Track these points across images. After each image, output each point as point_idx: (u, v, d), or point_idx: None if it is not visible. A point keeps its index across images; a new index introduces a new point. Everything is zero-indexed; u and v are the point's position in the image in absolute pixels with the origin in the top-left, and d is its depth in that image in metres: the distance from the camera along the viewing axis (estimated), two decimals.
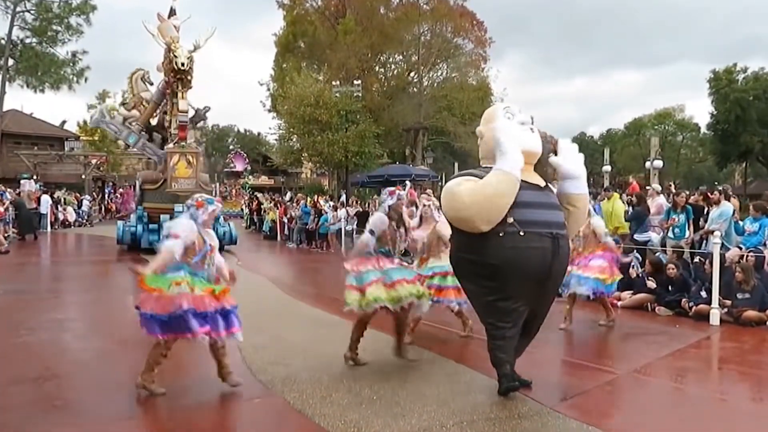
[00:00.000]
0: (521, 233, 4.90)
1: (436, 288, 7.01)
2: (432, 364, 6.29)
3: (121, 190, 39.80)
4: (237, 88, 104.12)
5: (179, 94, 17.20)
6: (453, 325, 7.64)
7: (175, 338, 5.12)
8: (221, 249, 17.35)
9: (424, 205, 7.81)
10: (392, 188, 6.36)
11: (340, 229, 18.93)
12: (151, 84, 19.95)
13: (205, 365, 6.39)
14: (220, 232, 17.71)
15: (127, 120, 19.16)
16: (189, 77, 17.33)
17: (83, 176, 39.62)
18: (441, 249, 7.17)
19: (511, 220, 4.89)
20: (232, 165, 25.11)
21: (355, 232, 18.45)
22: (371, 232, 5.95)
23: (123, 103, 20.31)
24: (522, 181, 4.96)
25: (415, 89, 40.87)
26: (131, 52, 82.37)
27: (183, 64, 16.62)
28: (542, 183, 5.26)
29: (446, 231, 6.12)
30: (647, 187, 14.65)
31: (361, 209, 19.54)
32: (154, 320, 5.05)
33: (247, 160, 20.37)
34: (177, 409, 5.00)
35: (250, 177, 47.94)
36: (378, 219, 6.03)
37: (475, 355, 6.73)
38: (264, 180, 50.45)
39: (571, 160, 5.42)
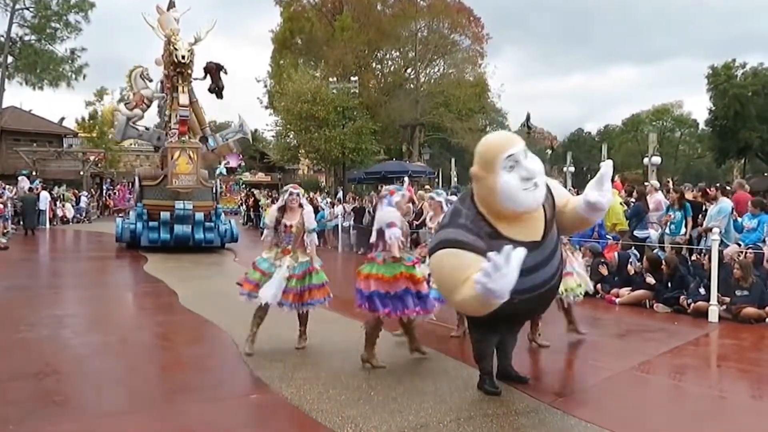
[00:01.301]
0: (515, 300, 4.35)
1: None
2: (429, 361, 6.24)
3: (119, 186, 39.79)
4: (234, 85, 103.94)
5: (180, 88, 16.93)
6: (449, 321, 7.59)
7: (393, 315, 5.80)
8: (222, 246, 17.32)
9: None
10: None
11: (337, 225, 18.86)
12: (151, 81, 19.50)
13: (203, 360, 6.38)
14: (222, 230, 17.54)
15: (131, 120, 18.64)
16: (189, 70, 17.12)
17: (81, 173, 39.67)
18: None
19: None
20: (225, 161, 24.97)
21: (352, 228, 18.41)
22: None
23: (125, 103, 19.95)
24: (518, 241, 4.44)
25: (411, 85, 40.90)
26: (130, 50, 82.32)
27: (184, 57, 16.41)
28: (539, 236, 4.76)
29: None
30: (645, 184, 14.60)
31: (358, 205, 19.44)
32: (377, 297, 5.67)
33: (240, 156, 20.25)
34: (175, 404, 4.98)
35: (247, 173, 47.91)
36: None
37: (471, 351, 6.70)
38: (261, 177, 50.39)
39: (606, 197, 4.90)
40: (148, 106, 19.11)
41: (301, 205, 6.41)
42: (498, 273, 3.98)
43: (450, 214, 5.02)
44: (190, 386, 5.45)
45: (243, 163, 26.14)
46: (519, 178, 4.57)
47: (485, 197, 4.73)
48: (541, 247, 4.77)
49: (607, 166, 4.89)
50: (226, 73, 19.12)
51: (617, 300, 9.59)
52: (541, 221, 4.82)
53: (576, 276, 7.18)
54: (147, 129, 19.14)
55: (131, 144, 41.90)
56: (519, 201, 4.61)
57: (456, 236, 4.67)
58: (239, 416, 4.73)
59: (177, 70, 16.86)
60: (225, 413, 4.75)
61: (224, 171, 17.36)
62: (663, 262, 9.55)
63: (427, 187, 24.49)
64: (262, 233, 7.07)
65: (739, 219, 10.46)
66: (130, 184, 27.07)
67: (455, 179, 34.32)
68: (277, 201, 7.36)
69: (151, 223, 16.71)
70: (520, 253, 4.04)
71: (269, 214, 6.61)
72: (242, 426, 4.56)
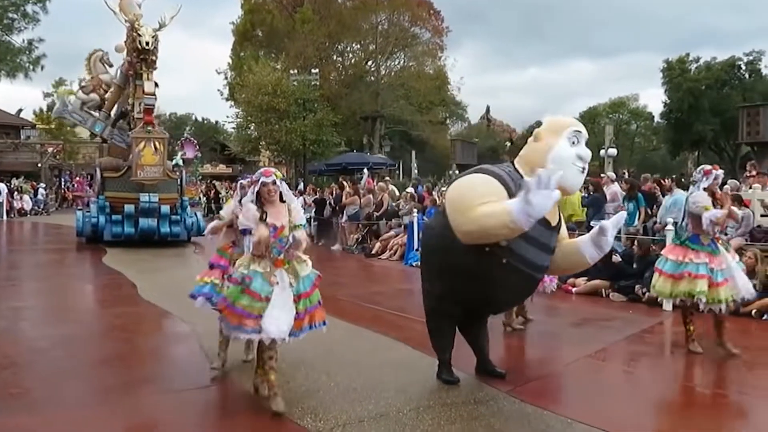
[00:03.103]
0: (504, 261, 4.63)
1: None
2: (390, 351, 6.27)
3: (78, 178, 39.02)
4: (194, 77, 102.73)
5: (144, 75, 16.20)
6: (411, 312, 7.63)
7: None
8: (188, 240, 16.92)
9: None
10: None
11: None
12: (111, 66, 18.84)
13: (162, 352, 6.31)
14: (188, 223, 17.05)
15: (86, 104, 18.06)
16: (154, 57, 16.37)
17: (39, 165, 38.83)
18: None
19: (504, 243, 4.58)
20: (182, 152, 24.81)
21: (312, 220, 18.35)
22: None
23: (81, 86, 18.96)
24: None
25: (372, 78, 40.90)
26: (90, 40, 79.89)
27: (148, 43, 15.82)
28: (555, 221, 4.94)
29: None
30: (602, 175, 14.85)
31: (318, 197, 19.39)
32: None
33: (197, 147, 19.93)
34: (134, 396, 4.92)
35: (208, 165, 47.36)
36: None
37: None
38: (222, 168, 49.95)
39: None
40: (106, 92, 18.39)
41: (282, 198, 4.60)
42: (542, 188, 4.12)
43: (497, 164, 5.19)
44: (149, 378, 5.41)
45: (200, 154, 25.97)
46: (575, 154, 4.82)
47: (534, 159, 4.86)
48: (552, 232, 4.95)
49: (620, 217, 5.09)
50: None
51: (574, 289, 9.76)
52: (556, 211, 5.00)
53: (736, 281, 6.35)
54: (103, 115, 18.42)
55: (90, 135, 41.08)
56: (565, 173, 4.68)
57: (496, 170, 4.85)
58: (198, 407, 4.70)
59: (141, 56, 16.08)
60: (184, 404, 4.72)
61: (180, 162, 16.76)
62: (637, 245, 9.80)
63: (387, 178, 24.58)
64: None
65: None
66: (90, 176, 26.33)
67: (416, 171, 34.45)
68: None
69: (114, 217, 16.07)
70: (558, 176, 4.34)
71: (226, 209, 5.54)
72: (201, 417, 4.54)
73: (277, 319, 4.40)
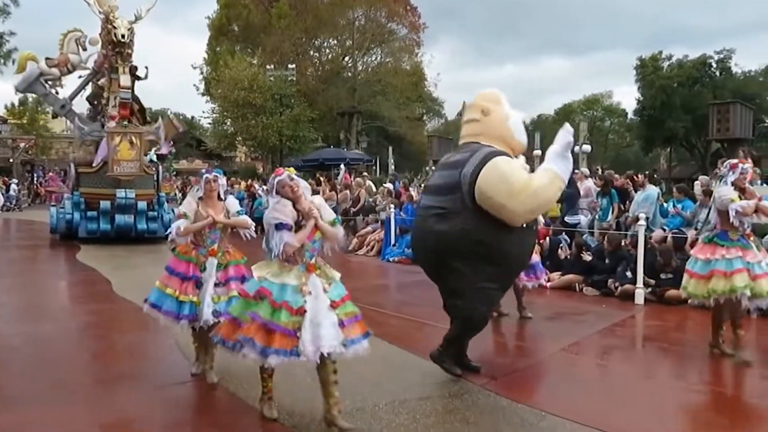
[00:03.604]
0: (524, 226, 5.08)
1: None
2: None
3: (51, 174, 38.45)
4: (170, 72, 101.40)
5: (120, 69, 15.92)
6: (387, 307, 7.68)
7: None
8: (166, 237, 16.57)
9: None
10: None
11: None
12: (85, 50, 17.92)
13: (137, 348, 6.28)
14: (166, 219, 16.33)
15: (44, 76, 17.11)
16: (129, 50, 16.11)
17: (11, 160, 38.13)
18: None
19: None
20: (156, 148, 24.51)
21: None
22: None
23: (47, 58, 17.79)
24: None
25: (349, 74, 40.82)
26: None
27: (123, 36, 15.53)
28: None
29: None
30: (576, 171, 15.01)
31: None
32: None
33: (171, 143, 19.76)
34: (109, 392, 4.91)
35: (184, 161, 46.95)
36: None
37: (409, 336, 6.82)
38: (198, 164, 49.52)
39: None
40: (69, 72, 17.51)
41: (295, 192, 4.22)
42: (568, 140, 4.89)
43: (478, 147, 5.18)
44: (125, 375, 5.38)
45: (174, 150, 25.68)
46: (516, 114, 5.33)
47: (499, 131, 5.19)
48: None
49: (566, 133, 5.13)
50: (139, 77, 18.18)
51: (548, 284, 9.86)
52: None
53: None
54: (56, 93, 17.98)
55: (64, 130, 40.40)
56: (524, 134, 5.35)
57: (499, 149, 5.08)
58: (175, 403, 4.70)
59: (116, 49, 15.81)
60: (161, 401, 4.72)
61: (154, 158, 16.48)
62: (607, 240, 9.92)
63: (365, 174, 24.60)
64: None
65: (665, 204, 10.92)
66: (63, 172, 25.82)
67: (392, 167, 34.45)
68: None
69: (89, 213, 15.69)
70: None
71: (187, 206, 5.11)
72: (178, 413, 4.54)
73: (317, 338, 3.96)
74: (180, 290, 4.91)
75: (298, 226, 4.11)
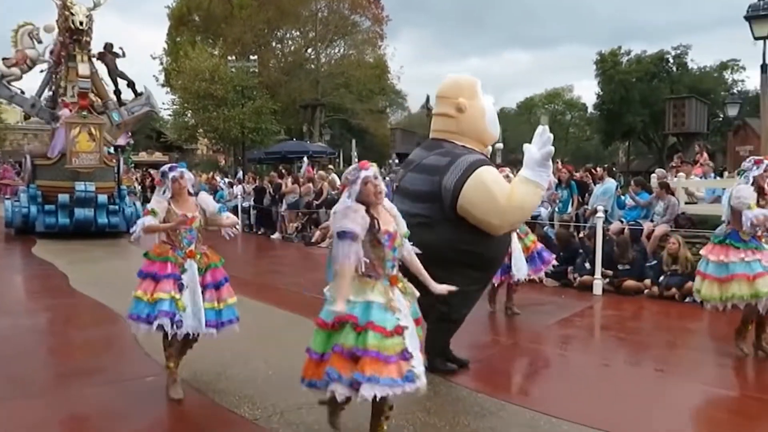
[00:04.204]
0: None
1: None
2: None
3: (5, 165, 37.37)
4: (128, 62, 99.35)
5: (78, 57, 15.50)
6: None
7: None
8: (127, 231, 16.16)
9: None
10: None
11: (237, 205, 18.57)
12: (40, 42, 17.49)
13: (96, 344, 6.19)
14: (127, 213, 16.12)
15: (5, 78, 16.74)
16: (88, 38, 15.76)
17: None
18: None
19: None
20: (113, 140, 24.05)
21: (252, 209, 18.20)
22: None
23: (4, 58, 17.36)
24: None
25: (312, 66, 40.54)
26: (16, 21, 76.37)
27: (81, 23, 15.09)
28: None
29: None
30: None
31: (258, 185, 19.21)
32: None
33: (129, 134, 19.18)
34: (67, 388, 4.85)
35: (143, 153, 46.18)
36: None
37: None
38: (158, 156, 48.76)
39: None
40: (30, 68, 17.14)
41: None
42: (545, 146, 4.71)
43: (452, 151, 5.03)
44: (83, 370, 5.31)
45: (132, 141, 25.13)
46: (491, 103, 5.21)
47: (474, 124, 5.05)
48: None
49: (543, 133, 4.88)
50: (117, 55, 17.96)
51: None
52: None
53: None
54: (22, 92, 17.49)
55: (18, 122, 39.35)
56: (497, 125, 5.23)
57: (480, 157, 4.97)
58: (134, 399, 4.64)
59: (74, 37, 15.43)
60: (120, 396, 4.66)
61: (110, 149, 16.08)
62: (556, 237, 10.06)
63: (330, 167, 24.52)
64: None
65: (622, 197, 11.14)
66: (18, 164, 25.03)
67: (356, 160, 34.39)
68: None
69: (47, 207, 15.21)
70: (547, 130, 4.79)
71: (156, 203, 4.70)
72: (137, 409, 4.48)
73: (419, 361, 3.46)
74: (154, 290, 4.48)
75: (375, 238, 3.54)
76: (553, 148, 4.68)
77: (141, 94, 18.14)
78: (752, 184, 5.64)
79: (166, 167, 4.88)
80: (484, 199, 4.70)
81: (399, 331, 3.38)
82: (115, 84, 18.14)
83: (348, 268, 3.41)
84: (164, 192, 4.75)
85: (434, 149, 5.13)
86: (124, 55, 17.84)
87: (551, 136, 4.73)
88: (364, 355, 3.29)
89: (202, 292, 4.62)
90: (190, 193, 4.80)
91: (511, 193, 4.69)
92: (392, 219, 3.69)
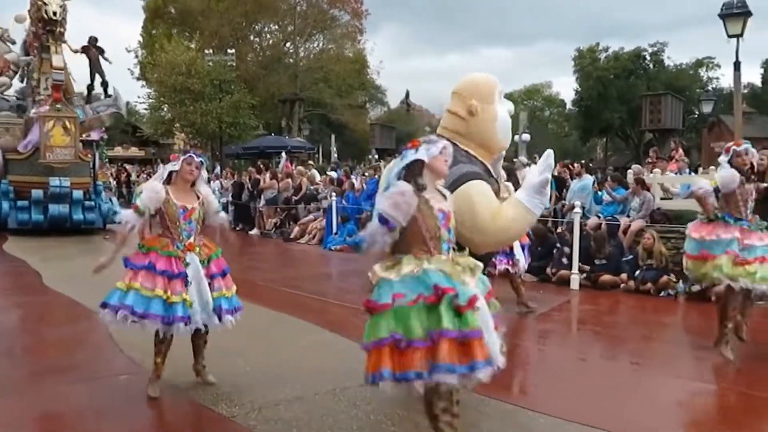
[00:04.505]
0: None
1: None
2: (307, 334, 6.30)
3: None
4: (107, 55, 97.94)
5: (52, 48, 15.10)
6: (328, 295, 7.68)
7: None
8: (104, 227, 15.95)
9: None
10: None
11: None
12: (13, 43, 17.44)
13: (70, 342, 6.11)
14: (104, 209, 15.84)
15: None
16: (62, 29, 15.38)
17: None
18: None
19: None
20: (86, 134, 23.49)
21: (229, 204, 18.07)
22: None
23: None
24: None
25: (291, 60, 40.31)
26: None
27: (55, 14, 14.76)
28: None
29: None
30: (514, 160, 15.28)
31: (237, 181, 19.09)
32: None
33: (103, 129, 18.83)
34: (40, 386, 4.77)
35: (119, 148, 45.68)
36: None
37: (350, 323, 6.81)
38: (134, 151, 48.27)
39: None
40: (16, 72, 17.08)
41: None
42: (546, 174, 4.14)
43: (453, 156, 4.63)
44: (56, 368, 5.24)
45: (105, 136, 24.64)
46: (507, 112, 4.72)
47: (483, 131, 4.64)
48: None
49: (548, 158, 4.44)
50: (101, 50, 17.73)
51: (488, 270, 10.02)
52: None
53: None
54: (7, 100, 17.23)
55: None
56: (508, 133, 4.75)
57: (475, 169, 4.54)
58: (108, 397, 4.59)
59: (47, 28, 15.04)
60: (94, 394, 4.60)
61: (80, 145, 15.89)
62: (533, 233, 10.10)
63: (310, 162, 24.44)
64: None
65: (599, 193, 11.22)
66: None
67: (335, 155, 34.36)
68: (152, 176, 5.22)
69: (19, 203, 14.85)
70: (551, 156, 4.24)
71: (147, 200, 4.42)
72: (111, 406, 4.42)
73: (495, 345, 3.28)
74: (171, 290, 4.31)
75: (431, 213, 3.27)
76: (549, 175, 4.27)
77: (110, 96, 17.85)
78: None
79: (191, 151, 4.75)
80: (468, 215, 4.38)
81: (472, 304, 3.11)
82: (92, 79, 17.89)
83: (373, 253, 3.22)
84: (167, 168, 4.57)
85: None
86: (104, 51, 17.65)
87: (552, 162, 4.33)
88: (470, 336, 3.02)
89: (211, 282, 4.54)
90: (192, 185, 4.62)
91: (498, 214, 4.34)
92: (444, 199, 3.45)
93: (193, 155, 4.62)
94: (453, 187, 4.44)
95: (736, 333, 5.63)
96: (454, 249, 3.42)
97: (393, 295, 3.09)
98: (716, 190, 5.54)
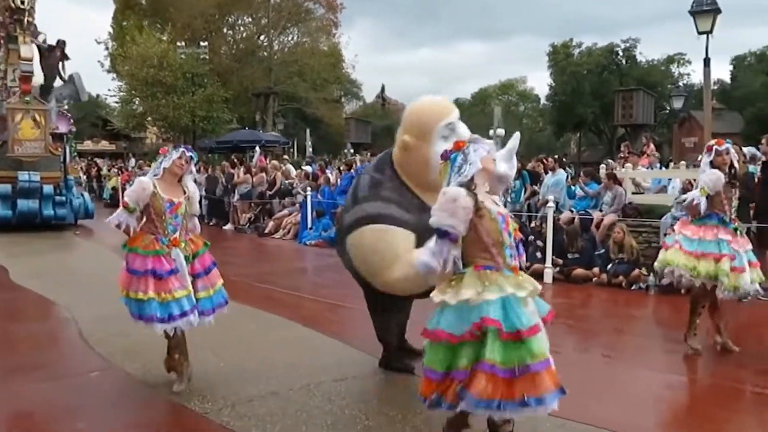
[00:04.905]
0: None
1: None
2: (281, 330, 6.28)
3: None
4: (72, 46, 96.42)
5: (20, 38, 14.74)
6: (303, 290, 7.66)
7: None
8: (75, 223, 15.65)
9: None
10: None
11: None
12: None
13: (39, 339, 6.01)
14: (75, 204, 15.55)
15: None
16: (30, 18, 15.04)
17: None
18: None
19: None
20: (54, 127, 23.14)
21: (203, 198, 17.88)
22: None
23: None
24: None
25: (265, 53, 40.02)
26: None
27: (22, 2, 14.47)
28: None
29: None
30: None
31: (210, 175, 18.91)
32: None
33: (71, 121, 18.48)
34: (9, 384, 4.70)
35: (89, 142, 45.08)
36: None
37: (324, 318, 6.83)
38: (105, 145, 47.69)
39: (514, 170, 4.43)
40: None
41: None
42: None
43: (368, 185, 4.52)
44: (26, 366, 5.16)
45: (74, 129, 24.22)
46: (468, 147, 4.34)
47: (415, 169, 4.33)
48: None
49: (515, 140, 4.37)
50: (66, 57, 17.27)
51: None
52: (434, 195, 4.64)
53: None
54: None
55: None
56: (435, 173, 4.26)
57: (380, 210, 4.24)
58: (79, 395, 4.53)
59: (14, 17, 14.75)
60: (64, 392, 4.55)
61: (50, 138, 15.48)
62: None
63: (285, 157, 24.31)
64: (105, 204, 4.63)
65: (573, 187, 11.32)
66: None
67: (310, 149, 34.23)
68: (124, 171, 5.19)
69: None
70: None
71: (134, 195, 4.37)
72: (82, 404, 4.37)
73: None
74: (164, 290, 4.26)
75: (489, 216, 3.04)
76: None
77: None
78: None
79: (183, 146, 4.66)
80: (360, 260, 4.32)
81: (535, 331, 2.97)
82: (47, 79, 17.41)
83: (440, 274, 2.98)
84: (161, 164, 4.49)
85: (376, 170, 4.68)
86: (68, 58, 17.24)
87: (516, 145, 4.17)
88: (532, 369, 2.86)
89: (195, 282, 4.46)
90: (180, 179, 4.55)
91: (389, 267, 4.05)
92: (495, 203, 3.21)
93: (185, 150, 4.55)
94: (350, 229, 4.33)
95: (725, 346, 5.59)
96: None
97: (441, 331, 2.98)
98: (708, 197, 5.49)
